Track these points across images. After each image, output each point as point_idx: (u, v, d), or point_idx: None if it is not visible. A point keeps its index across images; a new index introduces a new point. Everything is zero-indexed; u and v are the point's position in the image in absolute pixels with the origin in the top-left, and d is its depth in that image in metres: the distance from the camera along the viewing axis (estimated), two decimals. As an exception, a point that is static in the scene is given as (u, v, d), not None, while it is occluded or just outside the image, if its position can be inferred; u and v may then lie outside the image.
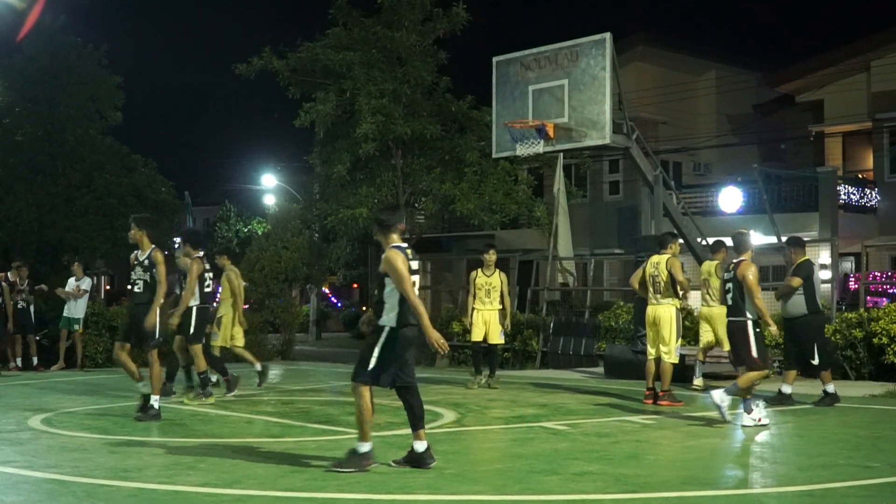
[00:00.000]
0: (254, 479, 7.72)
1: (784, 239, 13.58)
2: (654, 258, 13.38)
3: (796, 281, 12.36)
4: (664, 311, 13.12)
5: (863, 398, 13.79)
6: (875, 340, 16.20)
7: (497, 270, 15.59)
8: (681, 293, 13.21)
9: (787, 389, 12.74)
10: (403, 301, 8.09)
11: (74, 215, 28.14)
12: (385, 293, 8.16)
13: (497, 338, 15.57)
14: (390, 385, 8.28)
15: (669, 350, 13.06)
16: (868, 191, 30.23)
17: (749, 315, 10.96)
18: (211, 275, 13.74)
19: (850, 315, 17.14)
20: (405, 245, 8.31)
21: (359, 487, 7.46)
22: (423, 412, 8.44)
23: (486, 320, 15.43)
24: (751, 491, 7.55)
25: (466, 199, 23.72)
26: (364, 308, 38.92)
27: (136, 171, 30.10)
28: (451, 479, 7.83)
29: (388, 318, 8.14)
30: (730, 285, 11.19)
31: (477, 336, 15.53)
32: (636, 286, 13.79)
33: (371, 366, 8.14)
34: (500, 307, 15.54)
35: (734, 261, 11.32)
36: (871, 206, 30.21)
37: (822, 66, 32.06)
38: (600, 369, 18.39)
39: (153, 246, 11.67)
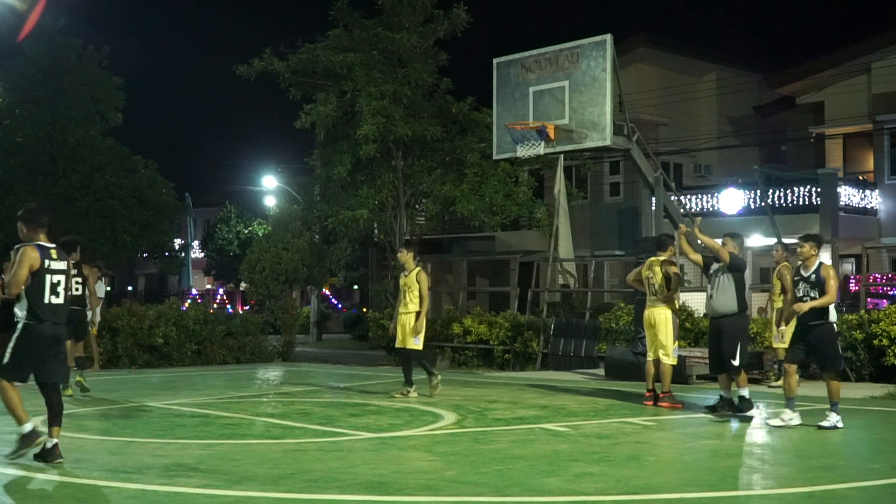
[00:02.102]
0: (254, 481, 7.73)
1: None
2: (650, 260, 13.38)
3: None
4: (659, 314, 13.11)
5: (863, 400, 13.78)
6: (875, 342, 16.20)
7: (416, 270, 14.20)
8: (671, 289, 13.14)
9: (727, 395, 12.23)
10: (39, 297, 8.29)
11: (75, 216, 28.19)
12: (26, 288, 8.32)
13: (409, 342, 14.10)
14: (23, 380, 8.45)
15: (667, 352, 13.05)
16: (868, 192, 30.23)
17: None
18: (79, 280, 14.13)
19: (850, 317, 17.13)
20: (51, 245, 8.52)
21: (359, 489, 7.47)
22: (62, 411, 8.63)
23: (403, 324, 14.16)
24: (751, 492, 7.56)
25: (467, 201, 23.73)
26: (364, 310, 38.90)
27: (136, 172, 30.16)
28: (451, 481, 7.84)
29: (22, 313, 8.35)
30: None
31: (397, 343, 14.40)
32: (633, 282, 13.89)
33: (5, 360, 8.31)
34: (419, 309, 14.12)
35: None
36: (872, 207, 30.21)
37: (822, 67, 32.06)
38: (601, 371, 18.38)
39: None
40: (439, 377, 14.59)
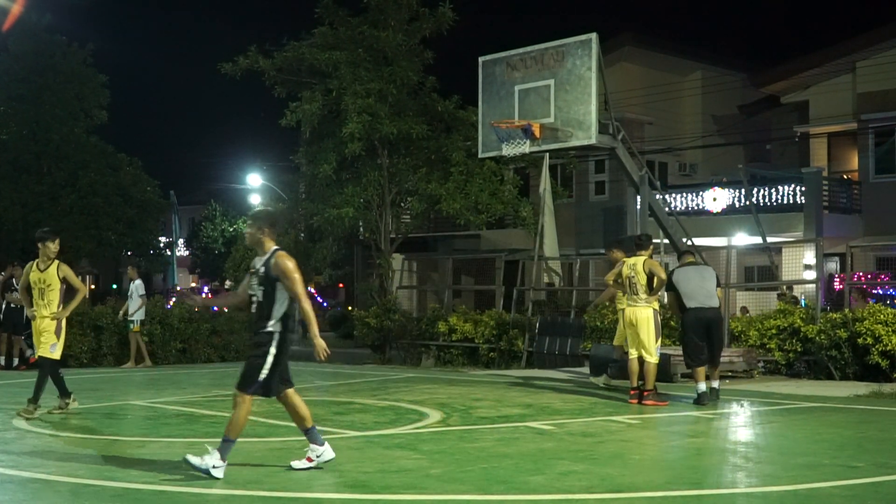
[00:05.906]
0: (239, 479, 7.71)
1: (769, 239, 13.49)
2: (631, 260, 13.36)
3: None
4: (641, 313, 13.11)
5: (847, 398, 13.82)
6: (860, 341, 16.24)
7: (55, 264, 11.72)
8: (655, 289, 13.16)
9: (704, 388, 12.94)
10: None
11: (59, 214, 28.11)
12: None
13: (45, 350, 11.64)
14: None
15: (649, 351, 13.06)
16: (853, 191, 30.33)
17: None
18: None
19: (834, 315, 17.19)
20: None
21: (343, 488, 7.46)
22: None
23: (38, 329, 11.74)
24: (735, 491, 7.57)
25: (452, 199, 23.72)
26: (350, 308, 38.85)
27: (121, 170, 30.09)
28: (436, 479, 7.84)
29: None
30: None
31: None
32: (610, 283, 13.87)
33: None
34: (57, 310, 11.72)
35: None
36: (856, 206, 30.30)
37: (807, 66, 32.13)
38: (586, 369, 18.38)
39: None
40: (71, 404, 12.11)
